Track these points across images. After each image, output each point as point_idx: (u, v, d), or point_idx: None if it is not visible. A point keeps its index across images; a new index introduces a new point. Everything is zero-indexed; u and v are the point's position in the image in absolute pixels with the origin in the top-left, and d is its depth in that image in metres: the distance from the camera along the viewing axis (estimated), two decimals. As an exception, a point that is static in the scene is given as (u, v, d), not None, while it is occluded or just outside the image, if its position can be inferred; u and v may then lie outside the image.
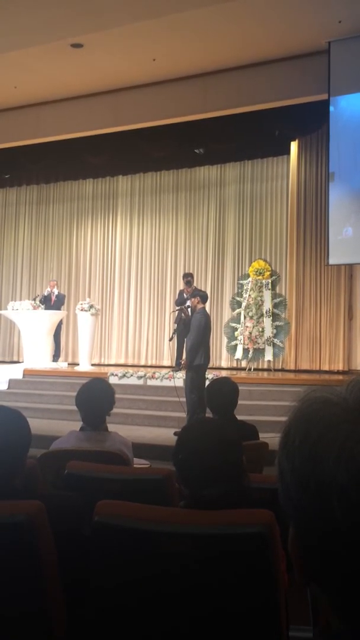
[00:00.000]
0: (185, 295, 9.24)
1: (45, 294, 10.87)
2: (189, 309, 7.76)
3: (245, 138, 10.39)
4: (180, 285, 11.19)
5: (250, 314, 9.63)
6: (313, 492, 0.61)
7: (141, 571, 1.47)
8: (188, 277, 9.68)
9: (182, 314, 8.09)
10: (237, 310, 9.88)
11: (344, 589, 0.62)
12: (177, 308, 8.96)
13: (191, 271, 10.81)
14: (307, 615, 1.88)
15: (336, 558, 0.61)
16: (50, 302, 10.69)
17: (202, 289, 9.84)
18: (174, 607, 1.45)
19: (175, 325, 8.97)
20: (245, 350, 9.63)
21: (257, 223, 11.39)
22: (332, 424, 0.63)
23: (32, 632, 1.57)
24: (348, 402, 0.64)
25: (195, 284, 9.81)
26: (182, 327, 8.21)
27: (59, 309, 10.86)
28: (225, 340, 10.21)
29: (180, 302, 9.26)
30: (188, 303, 7.96)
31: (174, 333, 8.25)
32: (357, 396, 0.65)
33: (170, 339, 8.65)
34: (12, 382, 9.58)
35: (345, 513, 0.59)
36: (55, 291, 10.94)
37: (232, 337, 9.87)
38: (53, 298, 10.82)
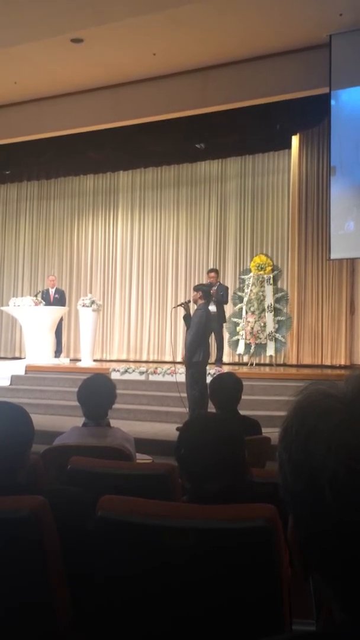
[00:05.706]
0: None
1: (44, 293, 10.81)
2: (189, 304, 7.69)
3: (246, 132, 10.36)
4: (182, 281, 11.19)
5: (252, 309, 9.62)
6: (307, 480, 0.63)
7: (144, 565, 1.48)
8: (213, 272, 9.70)
9: (184, 309, 8.01)
10: (239, 306, 9.87)
11: (344, 577, 0.63)
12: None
13: (192, 266, 10.78)
14: (310, 608, 1.89)
15: (333, 545, 0.62)
16: (49, 301, 10.65)
17: (204, 284, 9.80)
18: (177, 601, 1.46)
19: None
20: (247, 345, 9.62)
21: (258, 218, 11.37)
22: (326, 414, 0.64)
23: (37, 626, 1.59)
24: (346, 395, 0.66)
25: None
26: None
27: (62, 305, 10.84)
28: (227, 335, 10.20)
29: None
30: (190, 298, 7.89)
31: None
32: (355, 389, 0.66)
33: None
34: (14, 378, 9.59)
35: (336, 497, 0.61)
36: (52, 291, 10.87)
37: (233, 332, 9.86)
38: (52, 297, 10.77)
